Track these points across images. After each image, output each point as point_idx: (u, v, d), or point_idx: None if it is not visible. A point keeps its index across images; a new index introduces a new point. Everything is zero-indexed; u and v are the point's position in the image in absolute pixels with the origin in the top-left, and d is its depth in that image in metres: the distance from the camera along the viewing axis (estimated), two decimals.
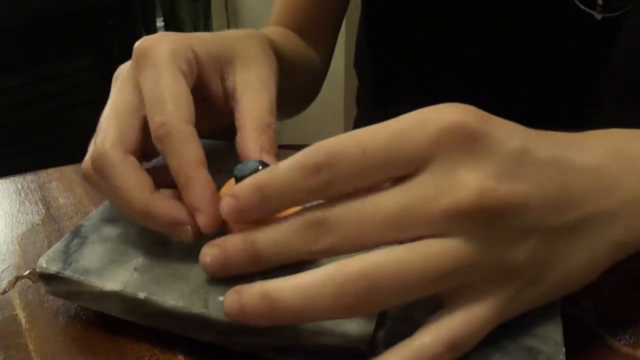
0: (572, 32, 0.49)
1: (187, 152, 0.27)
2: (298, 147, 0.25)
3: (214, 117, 0.34)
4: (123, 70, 0.31)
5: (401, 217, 0.22)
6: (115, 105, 0.30)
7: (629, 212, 0.25)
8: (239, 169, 0.28)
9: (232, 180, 0.29)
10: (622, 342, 0.28)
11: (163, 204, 0.27)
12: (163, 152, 0.28)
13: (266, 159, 0.29)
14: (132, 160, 0.28)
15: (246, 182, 0.25)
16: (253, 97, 0.31)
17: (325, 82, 0.63)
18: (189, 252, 0.29)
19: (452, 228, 0.22)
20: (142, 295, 0.27)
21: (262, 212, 0.25)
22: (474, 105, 0.23)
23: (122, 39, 1.41)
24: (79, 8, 1.34)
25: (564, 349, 0.24)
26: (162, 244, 0.30)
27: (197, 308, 0.26)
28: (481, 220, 0.21)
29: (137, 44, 0.30)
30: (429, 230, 0.22)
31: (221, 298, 0.26)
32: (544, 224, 0.23)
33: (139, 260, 0.29)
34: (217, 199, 0.27)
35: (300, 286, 0.22)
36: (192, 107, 0.29)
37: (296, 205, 0.25)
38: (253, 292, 0.23)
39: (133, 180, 0.27)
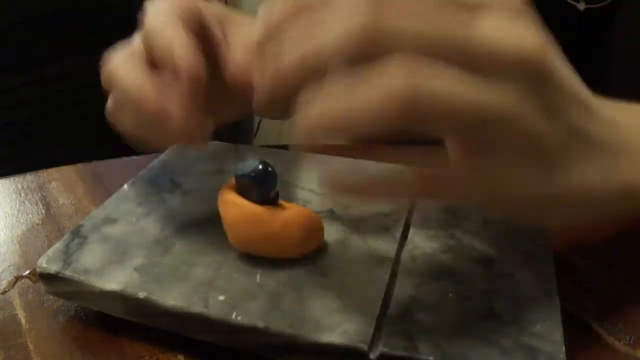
0: (556, 23, 0.49)
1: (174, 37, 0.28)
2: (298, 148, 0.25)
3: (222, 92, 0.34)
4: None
5: (482, 44, 0.21)
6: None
7: (635, 157, 0.26)
8: (239, 168, 0.28)
9: (232, 179, 0.30)
10: (622, 342, 0.28)
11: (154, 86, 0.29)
12: (150, 48, 0.29)
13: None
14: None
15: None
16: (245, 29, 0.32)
17: None
18: (189, 252, 0.29)
19: (514, 75, 0.21)
20: (142, 295, 0.27)
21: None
22: None
23: (122, 39, 1.40)
24: (79, 8, 1.34)
25: (564, 348, 0.24)
26: (162, 244, 0.30)
27: (197, 308, 0.26)
28: (537, 75, 0.22)
29: None
30: (495, 68, 0.21)
31: (221, 297, 0.26)
32: (571, 117, 0.23)
33: (139, 260, 0.29)
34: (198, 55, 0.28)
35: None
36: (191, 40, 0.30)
37: None
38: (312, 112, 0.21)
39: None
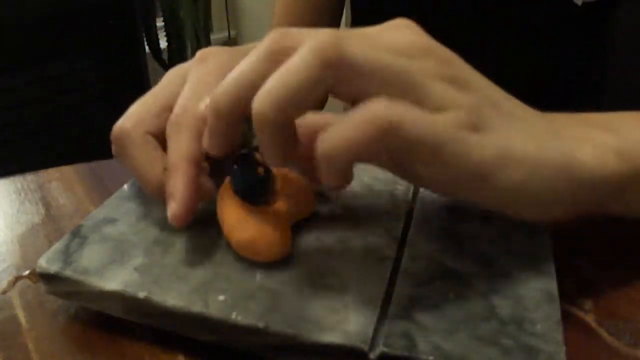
0: (554, 18, 0.49)
1: (184, 144, 0.29)
2: None
3: None
4: (176, 67, 0.34)
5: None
6: (152, 92, 0.32)
7: (568, 135, 0.28)
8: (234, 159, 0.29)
9: (228, 179, 0.30)
10: (622, 342, 0.28)
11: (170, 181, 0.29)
12: (167, 137, 0.30)
13: None
14: (150, 139, 0.30)
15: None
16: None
17: None
18: (189, 252, 0.29)
19: (420, 56, 0.26)
20: (142, 295, 0.27)
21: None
22: None
23: (122, 39, 1.41)
24: (79, 8, 1.34)
25: (564, 348, 0.24)
26: (162, 244, 0.30)
27: (197, 308, 0.26)
28: (437, 55, 0.26)
29: (202, 50, 0.33)
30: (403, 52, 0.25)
31: (221, 297, 0.26)
32: (481, 88, 0.27)
33: (139, 260, 0.29)
34: (193, 193, 0.28)
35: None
36: None
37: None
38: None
39: (147, 157, 0.30)
